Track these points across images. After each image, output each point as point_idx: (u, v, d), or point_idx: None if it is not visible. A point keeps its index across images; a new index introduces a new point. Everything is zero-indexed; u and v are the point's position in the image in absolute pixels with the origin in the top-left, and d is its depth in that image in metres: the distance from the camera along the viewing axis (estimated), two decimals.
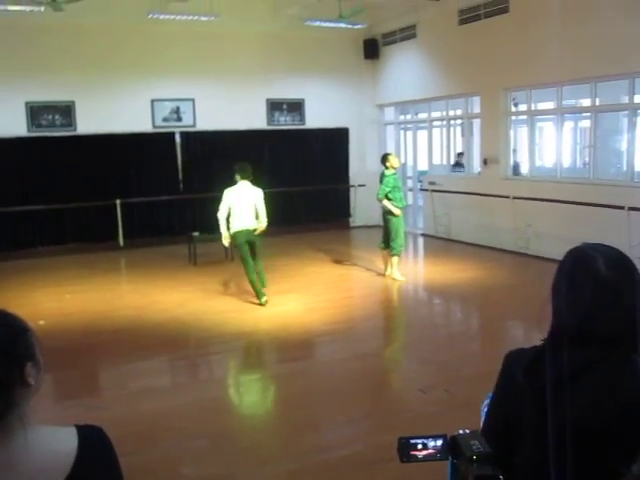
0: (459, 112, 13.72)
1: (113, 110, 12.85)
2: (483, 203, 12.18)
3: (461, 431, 1.58)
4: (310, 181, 14.60)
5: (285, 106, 14.50)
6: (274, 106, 14.39)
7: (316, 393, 5.67)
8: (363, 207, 15.04)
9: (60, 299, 9.10)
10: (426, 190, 13.95)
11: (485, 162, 12.28)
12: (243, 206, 8.34)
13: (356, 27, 13.40)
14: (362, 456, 4.39)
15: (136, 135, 13.10)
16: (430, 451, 1.57)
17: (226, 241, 8.43)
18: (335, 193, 15.14)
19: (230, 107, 13.74)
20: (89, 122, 12.72)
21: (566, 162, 13.63)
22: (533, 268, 10.15)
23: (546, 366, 1.60)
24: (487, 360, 5.69)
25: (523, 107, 12.08)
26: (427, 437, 1.59)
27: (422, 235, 14.07)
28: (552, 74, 10.49)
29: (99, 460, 1.46)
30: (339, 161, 15.10)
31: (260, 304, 8.32)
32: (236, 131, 13.84)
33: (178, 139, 13.58)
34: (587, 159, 11.70)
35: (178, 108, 13.57)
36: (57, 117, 12.68)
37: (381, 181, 9.54)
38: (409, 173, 15.49)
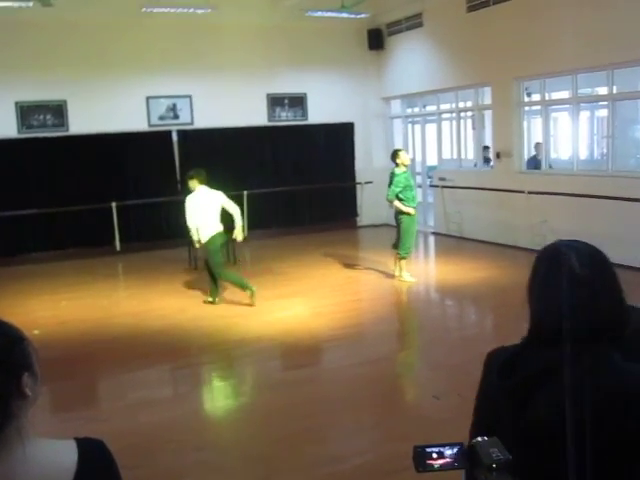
0: (469, 104, 13.70)
1: (107, 109, 12.88)
2: (496, 198, 12.16)
3: (479, 438, 1.57)
4: (314, 179, 14.61)
5: (286, 101, 14.51)
6: (275, 101, 14.40)
7: (324, 401, 5.66)
8: (370, 205, 15.04)
9: (55, 307, 9.13)
10: (436, 186, 13.94)
11: (498, 155, 12.26)
12: (211, 211, 8.61)
13: (359, 17, 13.40)
14: (375, 466, 4.38)
15: (131, 134, 13.13)
16: (447, 460, 1.57)
17: (198, 244, 8.70)
18: (341, 191, 15.14)
19: (229, 103, 13.76)
20: (82, 122, 12.76)
21: (583, 154, 13.59)
22: None
23: (519, 365, 1.65)
24: None
25: (536, 97, 12.05)
26: (443, 445, 1.58)
27: (433, 233, 14.06)
28: (567, 61, 10.46)
29: (100, 474, 1.46)
30: (344, 158, 15.10)
31: (211, 302, 8.68)
32: (236, 128, 13.87)
33: (175, 138, 13.61)
34: (605, 150, 11.66)
35: (175, 105, 13.60)
36: (48, 117, 12.72)
37: (391, 181, 9.49)
38: (418, 169, 15.47)
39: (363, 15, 13.22)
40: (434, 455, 1.57)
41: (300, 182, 14.46)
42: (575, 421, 1.54)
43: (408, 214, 9.44)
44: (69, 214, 12.69)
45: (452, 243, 13.01)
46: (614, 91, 10.40)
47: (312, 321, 7.92)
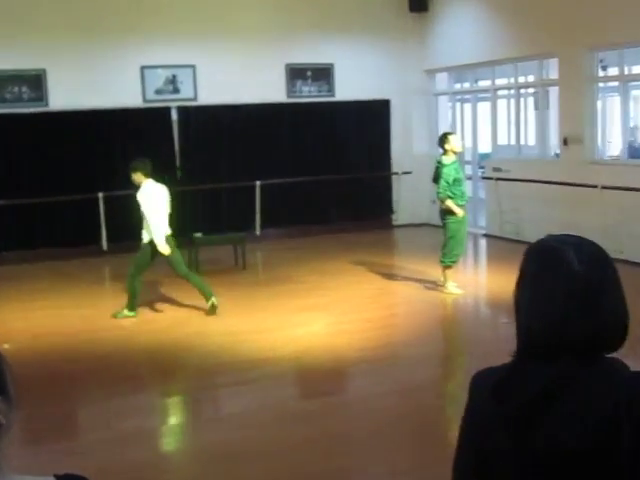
0: (531, 78, 13.63)
1: (93, 80, 12.96)
2: (563, 194, 12.06)
3: None
4: (341, 168, 14.60)
5: (310, 73, 14.52)
6: (296, 73, 14.43)
7: (348, 438, 5.65)
8: (409, 200, 15.01)
9: (29, 317, 9.20)
10: (489, 178, 13.87)
11: (565, 142, 12.16)
12: (163, 210, 8.92)
13: None
14: None
15: (122, 112, 13.21)
16: None
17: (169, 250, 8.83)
18: (373, 183, 15.13)
19: (240, 75, 13.79)
20: (64, 95, 12.86)
21: None
22: (629, 278, 10.02)
23: (514, 386, 1.67)
24: None
25: (613, 71, 11.95)
26: None
27: (484, 236, 13.98)
28: None
29: None
30: (378, 142, 15.08)
31: (212, 307, 8.80)
32: (248, 105, 13.90)
33: (175, 116, 13.68)
34: None
35: (175, 77, 13.68)
36: (24, 89, 12.85)
37: (438, 172, 9.47)
38: (467, 157, 15.39)
39: None
40: None
41: (324, 171, 14.45)
42: (581, 445, 1.57)
43: (455, 216, 9.40)
44: (46, 206, 12.79)
45: (507, 248, 12.90)
46: None
47: (336, 340, 7.90)
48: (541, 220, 12.60)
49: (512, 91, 14.21)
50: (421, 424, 5.87)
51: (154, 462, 5.27)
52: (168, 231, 8.90)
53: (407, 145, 15.29)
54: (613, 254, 1.75)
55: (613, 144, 13.17)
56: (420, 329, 8.44)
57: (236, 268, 11.51)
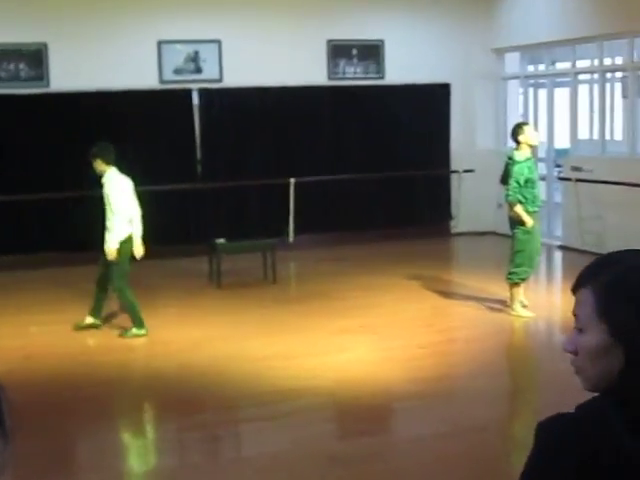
0: (619, 61, 13.49)
1: (102, 57, 13.07)
2: None
3: None
4: (391, 164, 14.57)
5: (355, 51, 14.53)
6: (339, 51, 14.43)
7: None
8: (471, 204, 14.94)
9: (22, 334, 9.26)
10: (567, 179, 13.75)
11: None
12: (133, 205, 9.15)
13: None
14: None
15: (135, 94, 13.30)
16: None
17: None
18: (429, 183, 15.09)
19: (273, 53, 13.83)
20: (67, 74, 12.96)
21: None
22: None
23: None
24: None
25: None
26: None
27: (560, 248, 13.86)
28: None
29: None
30: (435, 135, 15.04)
31: (140, 334, 8.89)
32: (281, 88, 13.93)
33: (196, 100, 13.76)
34: None
35: (197, 54, 13.75)
36: (22, 67, 12.98)
37: (509, 171, 9.40)
38: (541, 153, 15.29)
39: None
40: None
41: (370, 169, 14.43)
42: None
43: (524, 225, 9.29)
44: (44, 204, 12.91)
45: (587, 262, 12.75)
46: None
47: (381, 369, 7.87)
48: (629, 230, 12.46)
49: (596, 75, 14.08)
50: (483, 472, 5.82)
51: None
52: (139, 232, 9.08)
53: (469, 138, 15.23)
54: None
55: None
56: (482, 358, 8.36)
57: (265, 281, 11.50)
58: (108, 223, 8.93)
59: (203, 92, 13.77)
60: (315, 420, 7.00)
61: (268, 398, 7.19)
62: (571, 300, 1.78)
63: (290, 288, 11.96)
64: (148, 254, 13.34)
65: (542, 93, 15.24)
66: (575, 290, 1.82)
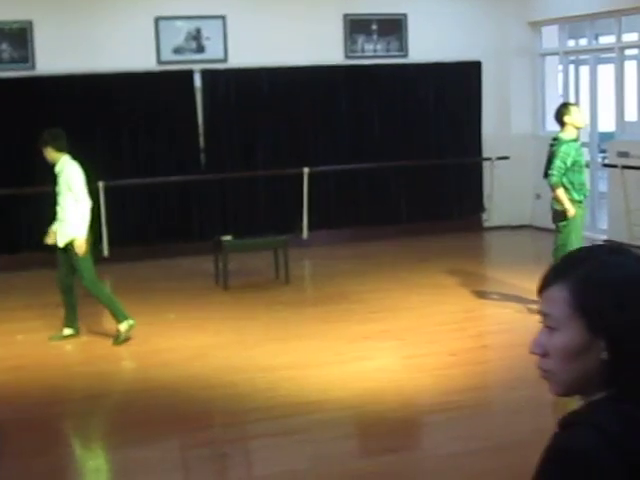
0: None
1: (93, 36, 13.09)
2: None
3: None
4: (416, 152, 14.57)
5: (375, 27, 14.51)
6: (357, 27, 14.42)
7: None
8: (505, 195, 14.94)
9: (7, 342, 9.26)
10: (613, 166, 13.71)
11: None
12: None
13: None
14: None
15: (131, 76, 13.31)
16: None
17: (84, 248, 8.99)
18: (458, 172, 15.11)
19: (283, 29, 13.84)
20: (55, 56, 12.99)
21: None
22: None
23: None
24: None
25: None
26: None
27: (606, 242, 13.79)
28: None
29: None
30: (464, 118, 15.04)
31: (129, 328, 8.89)
32: (294, 68, 13.93)
33: (199, 82, 13.77)
34: None
35: (199, 32, 13.75)
36: (4, 47, 13.00)
37: (554, 152, 9.34)
38: (583, 137, 15.21)
39: None
40: None
41: (393, 156, 14.43)
42: None
43: (567, 213, 9.23)
44: (32, 199, 12.93)
45: None
46: None
47: (408, 379, 7.86)
48: None
49: None
50: None
51: None
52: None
53: (503, 122, 15.22)
54: None
55: None
56: (520, 366, 8.25)
57: (276, 282, 11.50)
58: (66, 214, 9.00)
59: (206, 73, 13.75)
60: (334, 436, 6.97)
61: (281, 412, 7.17)
62: None
63: (304, 290, 11.95)
64: (147, 253, 13.45)
65: (584, 70, 15.19)
66: (543, 289, 1.89)
